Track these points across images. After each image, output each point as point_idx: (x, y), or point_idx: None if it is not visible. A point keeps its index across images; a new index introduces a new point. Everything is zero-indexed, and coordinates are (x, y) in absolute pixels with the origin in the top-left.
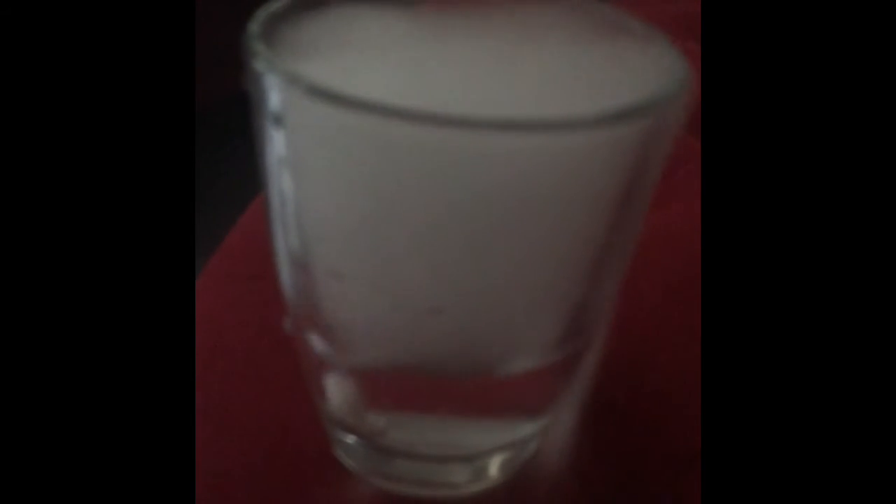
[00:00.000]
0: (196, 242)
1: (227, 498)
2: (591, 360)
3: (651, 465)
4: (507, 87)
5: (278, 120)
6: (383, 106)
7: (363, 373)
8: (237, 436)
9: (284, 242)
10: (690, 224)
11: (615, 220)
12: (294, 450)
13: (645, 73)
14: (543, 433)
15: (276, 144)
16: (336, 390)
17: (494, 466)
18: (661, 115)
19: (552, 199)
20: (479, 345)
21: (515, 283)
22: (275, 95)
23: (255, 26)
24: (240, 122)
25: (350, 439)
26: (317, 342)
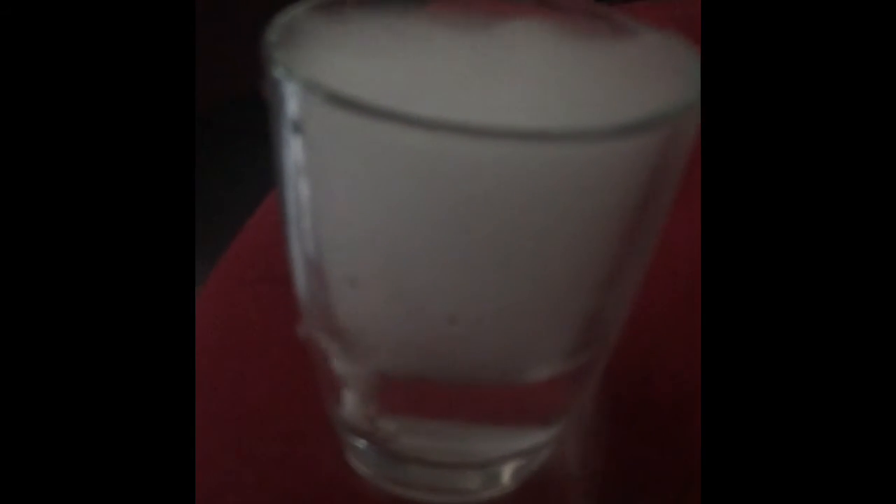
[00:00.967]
0: (201, 246)
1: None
2: (603, 369)
3: (662, 474)
4: (525, 96)
5: (297, 127)
6: (402, 113)
7: (377, 379)
8: (249, 441)
9: (300, 248)
10: (693, 227)
11: (633, 229)
12: (306, 455)
13: (662, 81)
14: (556, 441)
15: (294, 151)
16: (349, 396)
17: (507, 474)
18: (680, 125)
19: (571, 208)
20: (494, 353)
21: (532, 291)
22: (293, 103)
23: (273, 34)
24: (242, 123)
25: (363, 445)
26: (331, 348)
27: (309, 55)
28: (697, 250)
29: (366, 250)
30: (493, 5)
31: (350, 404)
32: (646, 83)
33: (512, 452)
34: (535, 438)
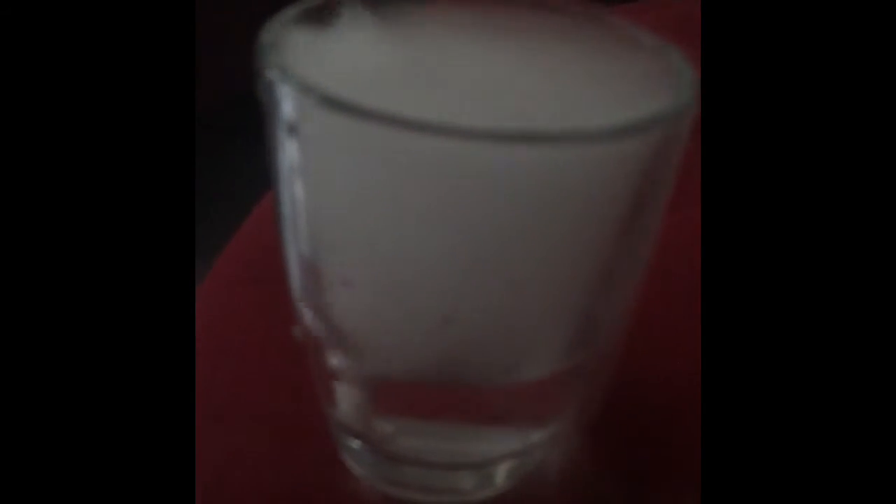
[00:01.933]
0: (198, 245)
1: (235, 503)
2: (598, 369)
3: (657, 474)
4: (518, 97)
5: (291, 129)
6: (396, 116)
7: (372, 379)
8: (244, 441)
9: (295, 250)
10: (688, 231)
11: (626, 231)
12: (301, 455)
13: (655, 84)
14: (550, 441)
15: (289, 153)
16: (345, 396)
17: (501, 474)
18: (673, 127)
19: (565, 209)
20: (489, 354)
21: (526, 292)
22: (288, 105)
23: (267, 35)
24: (240, 123)
25: (357, 445)
26: (326, 349)
27: (303, 57)
28: (694, 251)
29: (360, 251)
30: (489, 7)
31: (345, 405)
32: (640, 85)
33: (506, 453)
34: (529, 439)
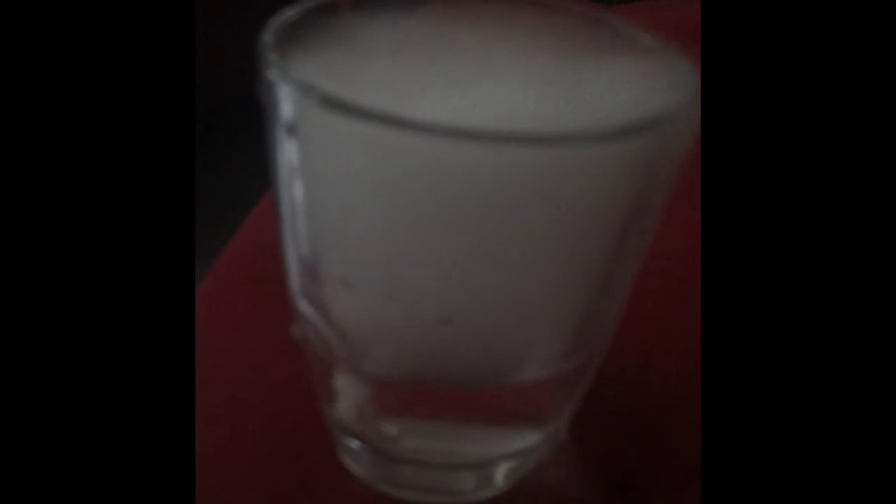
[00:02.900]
0: (198, 245)
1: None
2: (596, 370)
3: (655, 474)
4: (518, 98)
5: (291, 129)
6: (395, 116)
7: (371, 380)
8: (243, 441)
9: (294, 249)
10: (690, 232)
11: (625, 232)
12: (301, 455)
13: (655, 84)
14: (550, 442)
15: (289, 153)
16: (344, 397)
17: (500, 474)
18: (673, 128)
19: (563, 210)
20: (488, 354)
21: (524, 293)
22: (288, 105)
23: (268, 36)
24: (240, 124)
25: (357, 445)
26: (325, 349)
27: (303, 57)
28: (690, 252)
29: (359, 252)
30: (488, 8)
31: (344, 405)
32: (640, 85)
33: (505, 453)
34: (528, 439)
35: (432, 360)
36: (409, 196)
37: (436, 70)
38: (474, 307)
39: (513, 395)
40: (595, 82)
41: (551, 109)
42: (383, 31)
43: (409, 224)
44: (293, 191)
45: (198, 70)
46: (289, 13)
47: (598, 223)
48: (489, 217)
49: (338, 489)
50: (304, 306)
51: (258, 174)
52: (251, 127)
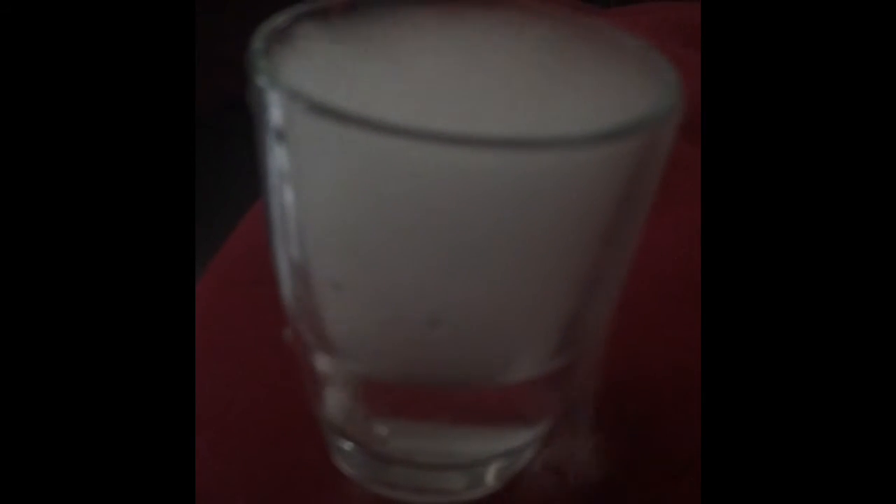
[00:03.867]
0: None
1: None
2: (588, 369)
3: (645, 474)
4: (502, 103)
5: (280, 135)
6: (383, 123)
7: (362, 381)
8: (236, 443)
9: (285, 253)
10: (684, 232)
11: (610, 234)
12: (293, 456)
13: (638, 89)
14: (539, 441)
15: (278, 158)
16: (334, 398)
17: (491, 474)
18: (655, 133)
19: (549, 213)
20: (476, 355)
21: (512, 294)
22: (276, 111)
23: (257, 42)
24: (240, 126)
25: (348, 446)
26: (316, 351)
27: (293, 63)
28: (683, 252)
29: (348, 255)
30: (475, 13)
31: (335, 407)
32: (623, 89)
33: (496, 453)
34: (519, 438)
35: (422, 362)
36: (395, 200)
37: (424, 76)
38: (463, 309)
39: (502, 394)
40: (578, 86)
41: (535, 114)
42: (373, 38)
43: (397, 227)
44: (283, 195)
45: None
46: (279, 19)
47: (582, 225)
48: (475, 220)
49: (329, 490)
50: (295, 309)
51: (253, 177)
52: (244, 130)
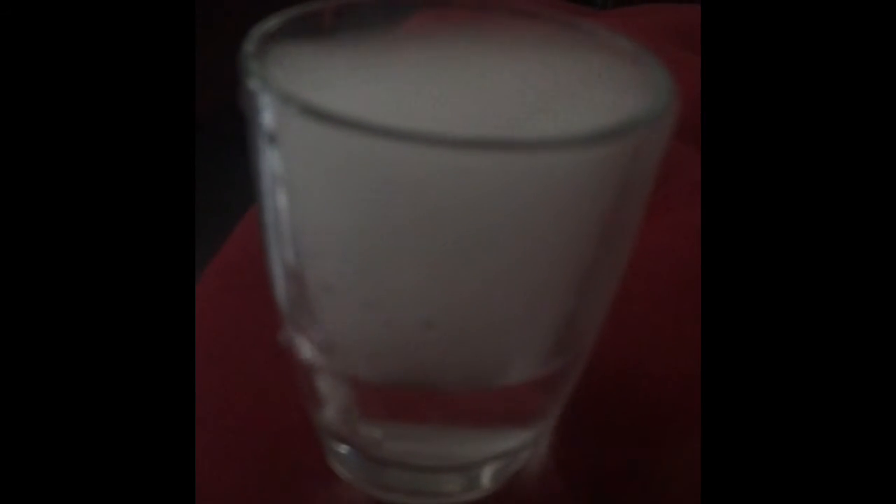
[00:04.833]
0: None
1: None
2: (583, 370)
3: (645, 474)
4: (496, 105)
5: (272, 138)
6: (375, 126)
7: (356, 384)
8: (232, 445)
9: (279, 256)
10: (682, 233)
11: (603, 236)
12: (289, 459)
13: (632, 91)
14: (535, 443)
15: (270, 162)
16: (329, 401)
17: (487, 476)
18: (648, 134)
19: (540, 216)
20: (471, 358)
21: (505, 297)
22: (269, 114)
23: (249, 45)
24: (231, 130)
25: (344, 449)
26: (311, 355)
27: (285, 67)
28: (681, 254)
29: (341, 258)
30: (469, 18)
31: (331, 410)
32: (616, 91)
33: (492, 455)
34: (514, 441)
35: (416, 364)
36: (388, 202)
37: (416, 79)
38: (457, 311)
39: (498, 397)
40: (571, 88)
41: (529, 116)
42: (365, 41)
43: (390, 230)
44: (276, 199)
45: (197, 78)
46: (271, 22)
47: (576, 227)
48: (468, 222)
49: (325, 493)
50: (289, 312)
51: (249, 181)
52: (240, 134)
